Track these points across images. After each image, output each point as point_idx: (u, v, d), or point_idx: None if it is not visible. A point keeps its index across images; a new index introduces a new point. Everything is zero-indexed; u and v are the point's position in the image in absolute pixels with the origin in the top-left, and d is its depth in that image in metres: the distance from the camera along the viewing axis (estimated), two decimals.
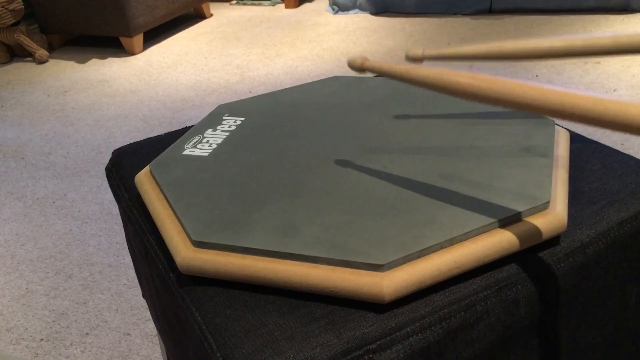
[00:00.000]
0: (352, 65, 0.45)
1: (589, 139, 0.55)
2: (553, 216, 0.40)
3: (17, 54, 2.48)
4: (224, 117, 0.60)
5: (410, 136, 0.52)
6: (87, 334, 0.95)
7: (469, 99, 0.35)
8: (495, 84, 0.34)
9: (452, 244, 0.38)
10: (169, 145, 0.60)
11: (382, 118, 0.56)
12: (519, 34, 2.13)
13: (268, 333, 0.36)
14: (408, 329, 0.36)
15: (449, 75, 0.36)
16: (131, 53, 2.36)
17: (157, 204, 0.47)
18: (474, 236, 0.39)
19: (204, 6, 2.76)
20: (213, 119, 0.59)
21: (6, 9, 2.24)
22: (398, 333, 0.35)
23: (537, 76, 1.77)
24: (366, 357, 0.34)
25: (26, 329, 0.98)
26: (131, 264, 1.12)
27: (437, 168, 0.46)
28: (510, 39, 2.09)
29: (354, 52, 2.11)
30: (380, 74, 0.43)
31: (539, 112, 0.33)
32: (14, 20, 2.29)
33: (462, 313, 0.37)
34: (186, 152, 0.53)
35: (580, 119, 0.31)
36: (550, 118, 0.52)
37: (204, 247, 0.40)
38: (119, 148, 0.62)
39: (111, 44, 2.51)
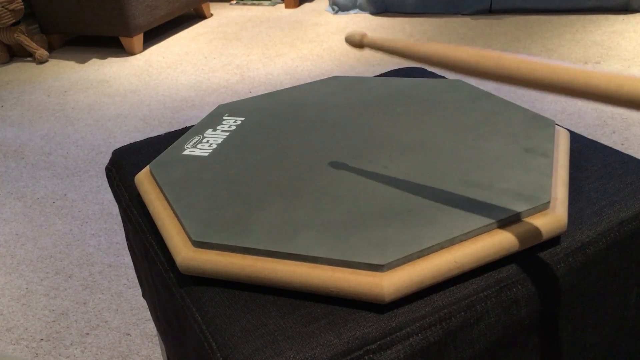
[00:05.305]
0: (350, 41, 0.43)
1: (589, 139, 0.54)
2: (553, 216, 0.40)
3: (17, 54, 2.47)
4: (224, 117, 0.60)
5: (410, 136, 0.52)
6: (87, 334, 0.95)
7: (474, 76, 0.34)
8: (502, 60, 0.32)
9: (453, 244, 0.38)
10: (169, 145, 0.60)
11: (382, 118, 0.56)
12: (519, 34, 2.13)
13: (268, 333, 0.36)
14: (408, 329, 0.36)
15: (454, 52, 0.35)
16: (131, 53, 2.36)
17: (157, 204, 0.47)
18: (474, 236, 0.39)
19: (204, 6, 2.76)
20: (213, 119, 0.59)
21: (6, 9, 2.24)
22: (398, 333, 0.35)
23: None
24: (366, 357, 0.34)
25: (26, 329, 0.98)
26: (131, 264, 1.12)
27: (437, 168, 0.46)
28: (508, 38, 2.09)
29: (353, 53, 2.11)
30: (381, 50, 0.41)
31: (547, 90, 0.31)
32: (14, 20, 2.29)
33: (462, 313, 0.37)
34: (186, 152, 0.53)
35: (594, 97, 0.29)
36: (550, 118, 0.52)
37: (204, 247, 0.40)
38: (119, 148, 0.62)
39: (111, 44, 2.51)
